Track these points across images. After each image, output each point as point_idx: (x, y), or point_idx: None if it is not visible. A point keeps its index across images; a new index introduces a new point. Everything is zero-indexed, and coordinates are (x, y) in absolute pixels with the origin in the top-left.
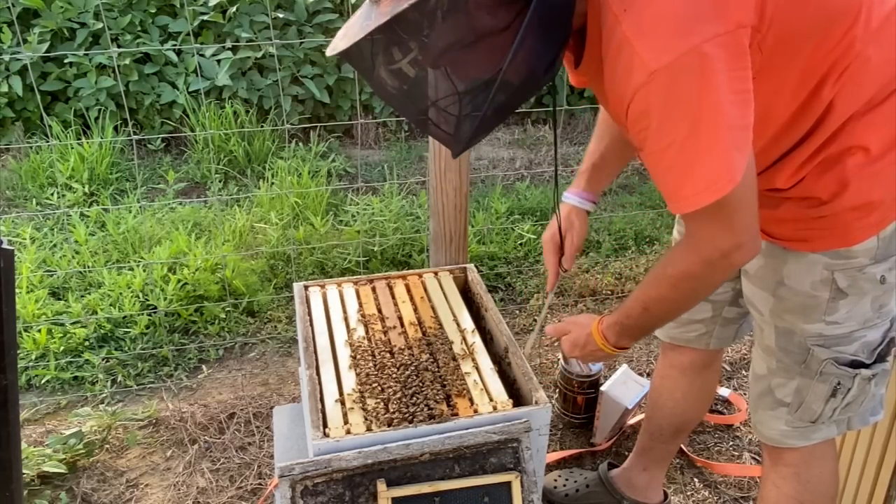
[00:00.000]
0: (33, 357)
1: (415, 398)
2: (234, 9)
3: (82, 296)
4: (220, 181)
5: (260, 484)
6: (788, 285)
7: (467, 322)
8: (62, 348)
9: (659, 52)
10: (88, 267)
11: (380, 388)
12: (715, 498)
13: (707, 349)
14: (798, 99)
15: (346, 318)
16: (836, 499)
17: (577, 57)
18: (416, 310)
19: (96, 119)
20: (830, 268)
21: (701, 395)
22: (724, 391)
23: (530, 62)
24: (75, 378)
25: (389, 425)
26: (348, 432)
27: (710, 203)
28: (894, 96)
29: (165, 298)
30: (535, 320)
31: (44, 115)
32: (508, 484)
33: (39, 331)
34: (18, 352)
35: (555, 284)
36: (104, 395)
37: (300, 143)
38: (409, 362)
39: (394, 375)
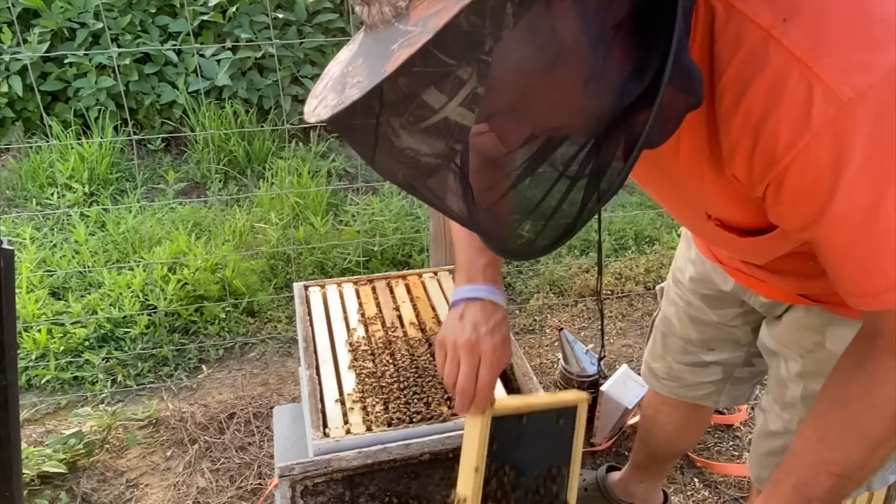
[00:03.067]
0: (33, 357)
1: (415, 398)
2: (234, 9)
3: (82, 296)
4: (220, 181)
5: (260, 484)
6: (829, 349)
7: None
8: (62, 348)
9: (854, 72)
10: (88, 267)
11: (380, 388)
12: (715, 498)
13: (716, 406)
14: None
15: (346, 318)
16: None
17: None
18: (416, 310)
19: (96, 119)
20: None
21: (696, 427)
22: None
23: (689, 75)
24: (75, 378)
25: (389, 425)
26: (348, 432)
27: None
28: None
29: (165, 298)
30: (535, 320)
31: (44, 115)
32: (575, 407)
33: (39, 331)
34: (18, 352)
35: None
36: (104, 395)
37: (300, 143)
38: (409, 362)
39: (394, 375)
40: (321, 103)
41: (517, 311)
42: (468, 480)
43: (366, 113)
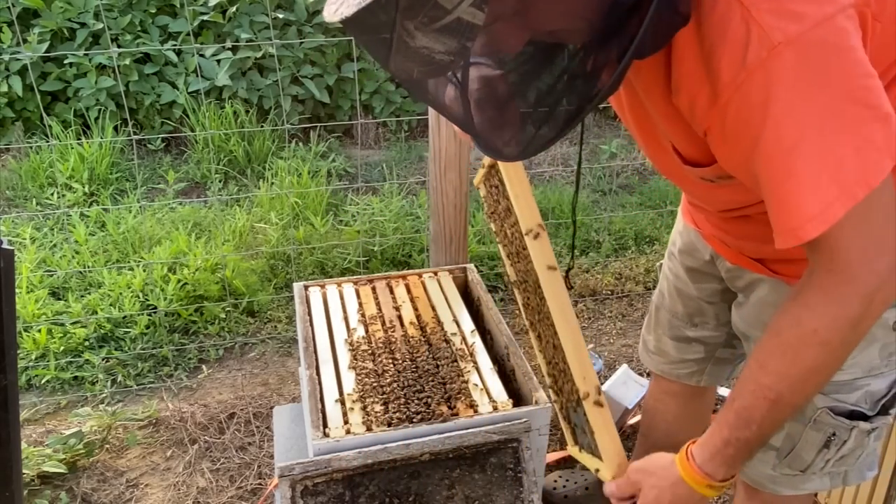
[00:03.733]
0: (33, 357)
1: (415, 398)
2: (234, 9)
3: (82, 296)
4: (220, 181)
5: (260, 484)
6: None
7: (467, 322)
8: (62, 348)
9: (788, 19)
10: (88, 267)
11: (380, 388)
12: (715, 498)
13: (698, 385)
14: None
15: (346, 318)
16: None
17: None
18: (416, 310)
19: (96, 119)
20: None
21: (695, 418)
22: (723, 391)
23: None
24: (75, 378)
25: (389, 425)
26: (348, 432)
27: (847, 211)
28: None
29: (165, 298)
30: None
31: (44, 115)
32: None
33: (39, 331)
34: (18, 352)
35: None
36: (104, 395)
37: (300, 143)
38: (408, 362)
39: (394, 375)
40: (342, 7)
41: (517, 311)
42: (532, 210)
43: (392, 6)
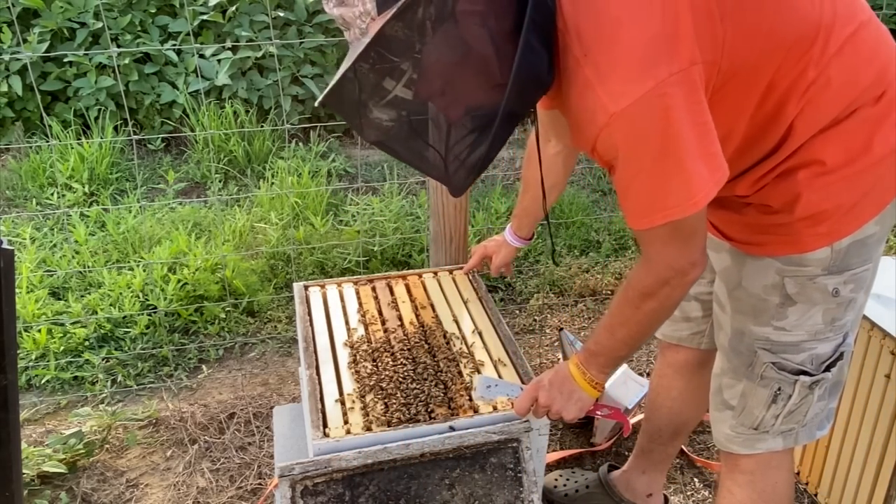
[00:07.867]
0: (33, 357)
1: (415, 399)
2: (234, 9)
3: (82, 296)
4: (220, 181)
5: (260, 484)
6: (744, 286)
7: (467, 322)
8: (62, 348)
9: (618, 96)
10: (88, 267)
11: (380, 389)
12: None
13: (699, 348)
14: (758, 120)
15: (346, 318)
16: None
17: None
18: (415, 310)
19: (96, 119)
20: (782, 273)
21: (697, 395)
22: None
23: (534, 69)
24: (75, 378)
25: (389, 425)
26: (348, 432)
27: (669, 222)
28: (855, 114)
29: (165, 298)
30: (535, 320)
31: (44, 115)
32: None
33: (39, 331)
34: (18, 352)
35: (470, 270)
36: (104, 395)
37: (300, 143)
38: (408, 362)
39: (394, 375)
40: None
41: (517, 311)
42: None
43: (341, 93)
